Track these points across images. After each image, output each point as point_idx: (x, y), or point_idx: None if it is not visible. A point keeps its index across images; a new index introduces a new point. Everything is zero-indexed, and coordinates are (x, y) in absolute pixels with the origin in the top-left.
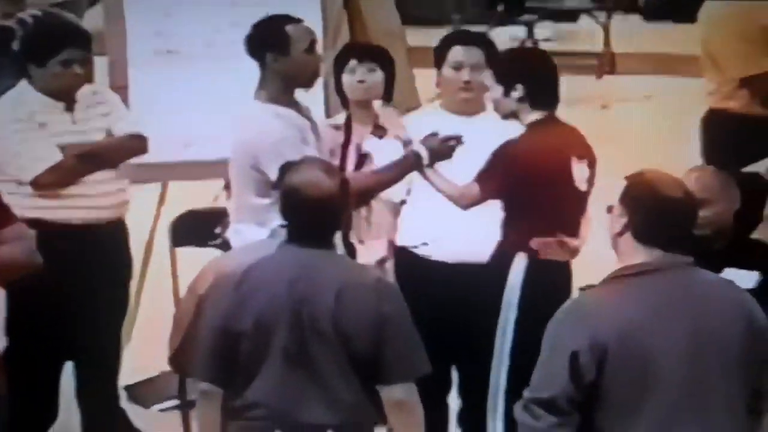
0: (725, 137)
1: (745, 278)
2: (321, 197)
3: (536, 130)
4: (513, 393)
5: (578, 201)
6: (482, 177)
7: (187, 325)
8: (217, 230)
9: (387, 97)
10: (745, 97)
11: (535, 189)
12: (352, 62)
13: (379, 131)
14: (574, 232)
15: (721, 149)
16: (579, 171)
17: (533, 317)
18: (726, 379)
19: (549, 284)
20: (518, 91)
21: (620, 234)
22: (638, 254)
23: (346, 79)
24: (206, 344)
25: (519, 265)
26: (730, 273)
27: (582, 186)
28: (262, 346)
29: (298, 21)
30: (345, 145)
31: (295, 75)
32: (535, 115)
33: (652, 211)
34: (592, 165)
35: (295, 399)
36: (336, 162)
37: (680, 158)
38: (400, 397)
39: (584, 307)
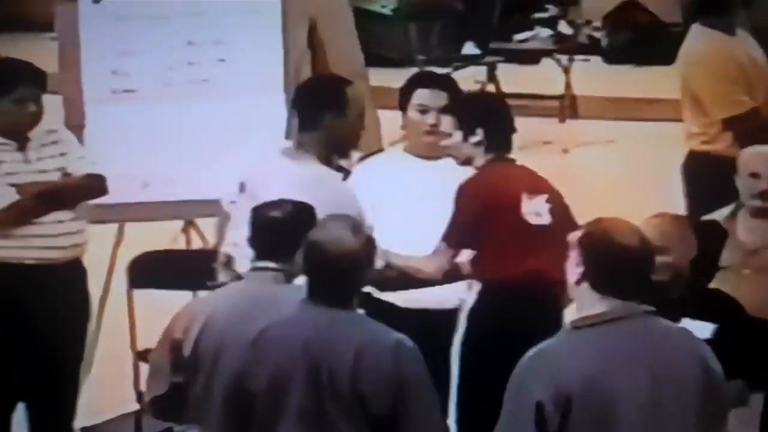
0: (709, 181)
1: (702, 328)
2: (344, 255)
3: (487, 168)
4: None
5: (535, 235)
6: (449, 228)
7: (170, 371)
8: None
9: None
10: (729, 139)
11: (485, 222)
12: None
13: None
14: (538, 265)
15: (704, 193)
16: (530, 205)
17: (480, 346)
18: (683, 426)
19: (505, 313)
20: (478, 136)
21: (578, 282)
22: (596, 303)
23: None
24: (219, 402)
25: (472, 291)
26: (686, 323)
27: (536, 220)
28: (277, 406)
29: (352, 83)
30: None
31: (347, 139)
32: (485, 159)
33: (607, 260)
34: (553, 199)
35: None
36: None
37: (641, 203)
38: None
39: (548, 357)
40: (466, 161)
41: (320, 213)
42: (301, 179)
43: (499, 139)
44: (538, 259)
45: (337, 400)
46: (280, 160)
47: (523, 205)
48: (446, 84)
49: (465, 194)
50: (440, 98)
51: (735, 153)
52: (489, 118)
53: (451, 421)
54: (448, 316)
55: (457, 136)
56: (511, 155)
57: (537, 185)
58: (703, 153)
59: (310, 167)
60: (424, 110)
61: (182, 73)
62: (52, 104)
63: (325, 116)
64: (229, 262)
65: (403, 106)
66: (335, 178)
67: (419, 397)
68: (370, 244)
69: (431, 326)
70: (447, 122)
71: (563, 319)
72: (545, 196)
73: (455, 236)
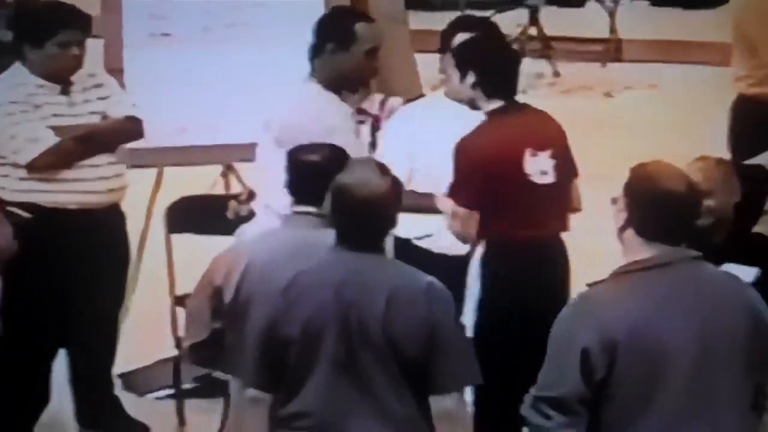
0: (756, 124)
1: (745, 273)
2: (372, 198)
3: (490, 121)
4: None
5: (541, 194)
6: (452, 191)
7: (210, 317)
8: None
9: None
10: None
11: (487, 183)
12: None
13: (361, 115)
14: (543, 224)
15: (751, 136)
16: (534, 163)
17: (491, 309)
18: (732, 374)
19: (511, 273)
20: (471, 77)
21: (623, 228)
22: (642, 249)
23: None
24: (253, 349)
25: (476, 255)
26: (729, 268)
27: (541, 179)
28: (310, 353)
29: (371, 20)
30: None
31: (347, 73)
32: (492, 105)
33: (652, 205)
34: (558, 155)
35: (344, 410)
36: None
37: (686, 148)
38: (450, 408)
39: (592, 304)
40: (471, 104)
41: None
42: (299, 98)
43: (496, 83)
44: (543, 216)
45: (369, 345)
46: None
47: (527, 164)
48: (487, 28)
49: (463, 155)
50: None
51: None
52: (482, 60)
53: None
54: None
55: (455, 77)
56: (519, 99)
57: (541, 138)
58: (750, 96)
59: (308, 87)
60: None
61: (221, 17)
62: (92, 48)
63: (326, 46)
64: (247, 198)
65: (443, 50)
66: (330, 99)
67: (451, 341)
68: (396, 185)
69: (463, 271)
70: (446, 62)
71: (570, 266)
72: (549, 152)
73: (462, 198)
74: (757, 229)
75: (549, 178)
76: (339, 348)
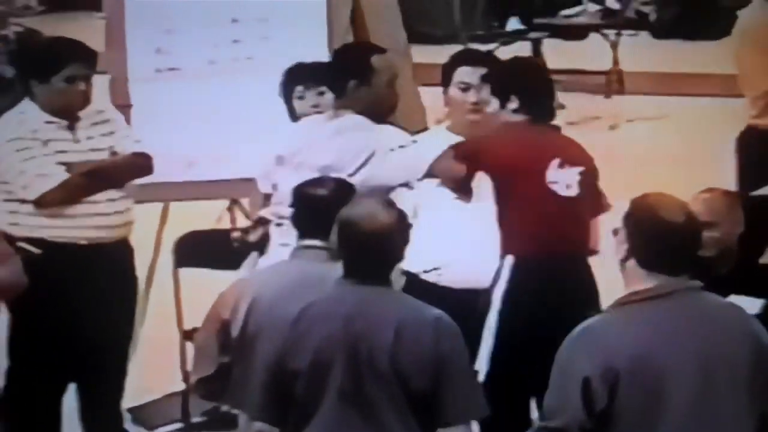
0: (754, 155)
1: (750, 305)
2: (378, 231)
3: (522, 126)
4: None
5: (562, 206)
6: (459, 149)
7: (218, 352)
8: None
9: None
10: None
11: (506, 179)
12: (299, 88)
13: None
14: (565, 238)
15: (752, 168)
16: (559, 174)
17: (516, 321)
18: (734, 404)
19: (538, 288)
20: (513, 103)
21: (624, 259)
22: (643, 280)
23: (298, 105)
24: (261, 382)
25: (504, 266)
26: (735, 299)
27: (563, 190)
28: (318, 385)
29: (383, 51)
30: None
31: (374, 106)
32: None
33: (653, 236)
34: (586, 180)
35: None
36: None
37: (690, 180)
38: None
39: (595, 333)
40: None
41: (363, 153)
42: (334, 129)
43: (538, 106)
44: (564, 230)
45: (377, 378)
46: (321, 123)
47: (551, 173)
48: (488, 61)
49: (491, 140)
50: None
51: None
52: (523, 84)
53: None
54: (485, 294)
55: (494, 104)
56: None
57: (573, 155)
58: (753, 127)
59: (342, 118)
60: (466, 88)
61: (226, 51)
62: (98, 84)
63: (348, 84)
64: (258, 225)
65: (445, 84)
66: (365, 122)
67: (459, 374)
68: (402, 218)
69: (470, 305)
70: (484, 92)
71: (596, 285)
72: (580, 169)
73: (463, 150)
74: (763, 260)
75: (571, 192)
76: (347, 380)
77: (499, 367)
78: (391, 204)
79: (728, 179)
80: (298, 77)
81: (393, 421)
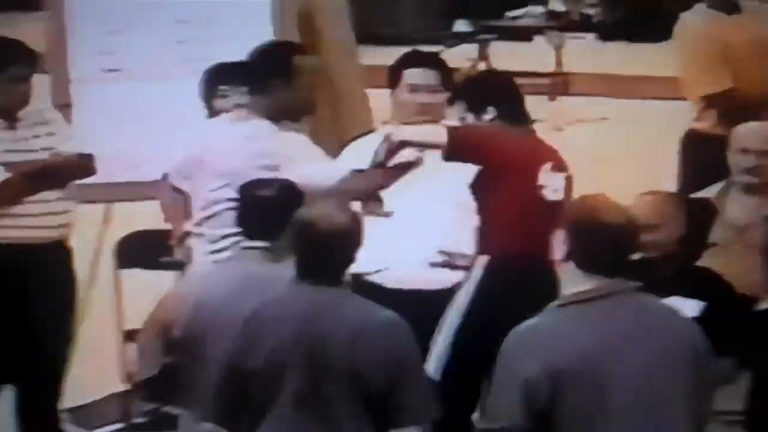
0: (695, 158)
1: (691, 306)
2: (334, 232)
3: (516, 130)
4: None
5: (546, 209)
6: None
7: (161, 353)
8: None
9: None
10: (712, 117)
11: (496, 172)
12: (223, 87)
13: None
14: (544, 242)
15: (692, 170)
16: (550, 179)
17: (482, 322)
18: (673, 404)
19: (510, 290)
20: (490, 114)
21: (564, 261)
22: (582, 281)
23: (220, 104)
24: (212, 383)
25: (477, 266)
26: (676, 301)
27: (551, 195)
28: (273, 385)
29: (305, 52)
30: None
31: (292, 106)
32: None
33: (590, 238)
34: (568, 180)
35: None
36: None
37: (633, 182)
38: None
39: (536, 334)
40: None
41: (270, 162)
42: (244, 135)
43: (515, 114)
44: (545, 234)
45: (333, 379)
46: (229, 125)
47: (543, 176)
48: (436, 63)
49: (492, 131)
50: (430, 77)
51: (721, 131)
52: (497, 94)
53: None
54: (434, 296)
55: (470, 118)
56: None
57: (561, 162)
58: (693, 130)
59: (252, 124)
60: (413, 90)
61: (172, 53)
62: (39, 84)
63: (268, 81)
64: (184, 238)
65: (393, 85)
66: (276, 131)
67: (414, 375)
68: (357, 220)
69: (422, 307)
70: (456, 109)
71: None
72: (565, 175)
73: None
74: (703, 262)
75: (557, 197)
76: (303, 381)
77: (457, 367)
78: (344, 206)
79: (671, 181)
80: (224, 76)
81: (348, 422)
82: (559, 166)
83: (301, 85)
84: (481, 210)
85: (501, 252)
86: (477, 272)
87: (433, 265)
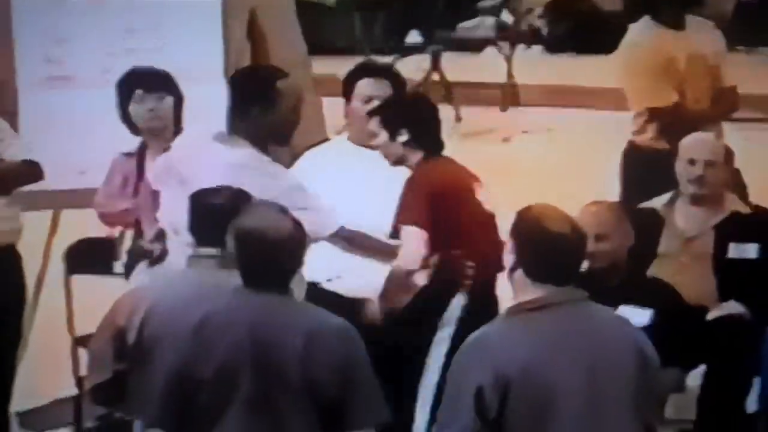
0: (635, 171)
1: (639, 315)
2: (276, 240)
3: (431, 161)
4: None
5: (490, 223)
6: (403, 210)
7: (113, 358)
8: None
9: (177, 123)
10: (653, 130)
11: (445, 212)
12: (139, 91)
13: None
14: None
15: (632, 183)
16: (483, 194)
17: None
18: (620, 413)
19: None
20: (404, 136)
21: (512, 270)
22: (531, 290)
23: (134, 108)
24: (160, 390)
25: (456, 302)
26: (624, 310)
27: (490, 207)
28: (223, 393)
29: (285, 74)
30: (139, 177)
31: (276, 130)
32: (421, 155)
33: (537, 247)
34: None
35: None
36: (127, 192)
37: (580, 192)
38: None
39: (487, 343)
40: (398, 161)
41: (255, 196)
42: (232, 163)
43: (429, 139)
44: (498, 244)
45: (286, 386)
46: (212, 143)
47: (479, 193)
48: (389, 74)
49: (417, 184)
50: (383, 88)
51: (660, 145)
52: (413, 118)
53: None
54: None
55: (383, 136)
56: (446, 151)
57: (477, 178)
58: (632, 143)
59: (242, 152)
60: (367, 100)
61: (120, 61)
62: None
63: (252, 109)
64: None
65: (346, 95)
66: (268, 163)
67: (364, 380)
68: (299, 226)
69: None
70: (371, 123)
71: None
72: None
73: (419, 214)
74: (651, 272)
75: (492, 208)
76: (253, 388)
77: None
78: (285, 211)
79: (616, 192)
80: (139, 81)
81: (299, 428)
82: (479, 182)
83: (286, 109)
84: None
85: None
86: (455, 313)
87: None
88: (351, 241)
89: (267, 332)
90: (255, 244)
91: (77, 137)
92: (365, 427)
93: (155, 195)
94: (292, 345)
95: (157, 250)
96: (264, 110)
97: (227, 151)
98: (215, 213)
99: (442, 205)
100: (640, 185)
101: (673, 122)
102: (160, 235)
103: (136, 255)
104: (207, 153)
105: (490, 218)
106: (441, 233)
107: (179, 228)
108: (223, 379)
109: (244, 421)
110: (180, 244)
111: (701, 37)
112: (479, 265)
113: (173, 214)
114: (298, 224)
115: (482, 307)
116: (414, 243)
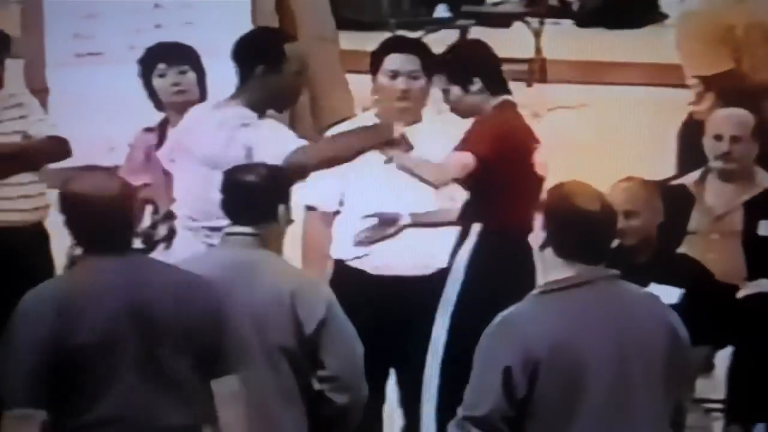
0: (691, 142)
1: (669, 293)
2: (108, 202)
3: (506, 108)
4: (446, 379)
5: (537, 187)
6: (463, 141)
7: None
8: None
9: (203, 96)
10: (710, 99)
11: (505, 163)
12: (161, 65)
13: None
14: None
15: (688, 154)
16: (539, 156)
17: (481, 290)
18: (650, 391)
19: (505, 258)
20: (477, 84)
21: (542, 248)
22: (561, 268)
23: (158, 83)
24: (25, 367)
25: (471, 234)
26: (654, 288)
27: (543, 171)
28: (107, 358)
29: (294, 39)
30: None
31: (278, 94)
32: (498, 100)
33: (569, 224)
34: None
35: (150, 405)
36: (150, 167)
37: (612, 168)
38: (236, 388)
39: (515, 322)
40: (473, 112)
41: (244, 150)
42: (222, 119)
43: (498, 82)
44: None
45: (165, 340)
46: (210, 110)
47: (537, 156)
48: (418, 49)
49: (487, 125)
50: (411, 63)
51: None
52: (483, 64)
53: (435, 378)
54: (419, 282)
55: (455, 90)
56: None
57: (538, 140)
58: (690, 114)
59: (232, 110)
60: (395, 75)
61: (149, 36)
62: (13, 68)
63: (257, 69)
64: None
65: (374, 71)
66: (249, 116)
67: (228, 326)
68: (126, 188)
69: (404, 293)
70: (437, 82)
71: None
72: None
73: (476, 146)
74: (681, 249)
75: (544, 172)
76: (137, 348)
77: (461, 337)
78: (111, 175)
79: (647, 168)
80: (161, 54)
81: (185, 378)
82: (539, 142)
83: (290, 74)
84: (476, 198)
85: (496, 222)
86: (471, 240)
87: (358, 243)
88: (425, 223)
89: (141, 292)
90: (85, 208)
91: (106, 114)
92: (231, 373)
93: (168, 175)
94: (164, 299)
95: (159, 234)
96: (268, 71)
97: (217, 112)
98: (249, 191)
99: (499, 153)
100: (696, 156)
101: (728, 90)
102: (168, 216)
103: (142, 239)
104: (205, 120)
105: (539, 181)
106: (488, 179)
107: (190, 202)
108: (105, 344)
109: (132, 382)
110: (187, 225)
111: (761, 5)
112: (515, 223)
113: (186, 190)
114: (124, 186)
115: (498, 244)
116: (455, 159)
